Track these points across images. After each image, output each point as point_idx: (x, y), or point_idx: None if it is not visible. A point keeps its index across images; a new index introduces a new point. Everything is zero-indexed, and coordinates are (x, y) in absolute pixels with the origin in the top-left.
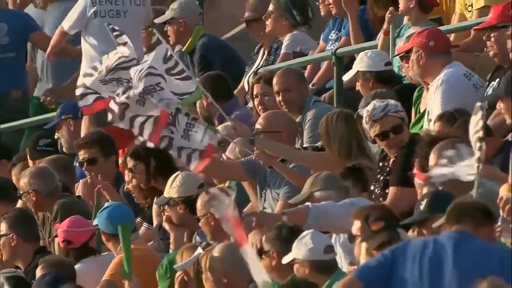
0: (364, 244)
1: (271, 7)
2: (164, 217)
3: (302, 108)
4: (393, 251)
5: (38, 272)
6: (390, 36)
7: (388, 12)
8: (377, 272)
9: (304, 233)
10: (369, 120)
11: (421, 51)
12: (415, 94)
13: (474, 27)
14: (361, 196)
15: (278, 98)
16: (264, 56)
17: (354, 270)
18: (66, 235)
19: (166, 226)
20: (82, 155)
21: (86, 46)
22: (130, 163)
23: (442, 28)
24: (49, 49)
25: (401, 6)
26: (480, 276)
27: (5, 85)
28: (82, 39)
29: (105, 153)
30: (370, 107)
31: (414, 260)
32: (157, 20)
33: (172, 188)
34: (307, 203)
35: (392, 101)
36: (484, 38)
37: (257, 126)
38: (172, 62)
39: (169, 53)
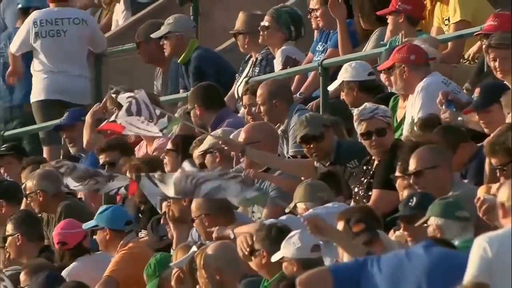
0: None
1: (268, 20)
2: (167, 213)
3: (284, 117)
4: (366, 258)
5: (22, 277)
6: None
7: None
8: (348, 272)
9: (292, 233)
10: (357, 119)
11: (403, 65)
12: (391, 103)
13: (476, 33)
14: (337, 199)
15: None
16: (251, 68)
17: (329, 265)
18: (60, 237)
19: (170, 225)
20: (102, 158)
21: (35, 66)
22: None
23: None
24: (9, 72)
25: (390, 23)
26: (447, 269)
27: (17, 98)
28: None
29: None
30: (361, 106)
31: (389, 266)
32: (153, 35)
33: None
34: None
35: (382, 106)
36: (484, 43)
37: (239, 139)
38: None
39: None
